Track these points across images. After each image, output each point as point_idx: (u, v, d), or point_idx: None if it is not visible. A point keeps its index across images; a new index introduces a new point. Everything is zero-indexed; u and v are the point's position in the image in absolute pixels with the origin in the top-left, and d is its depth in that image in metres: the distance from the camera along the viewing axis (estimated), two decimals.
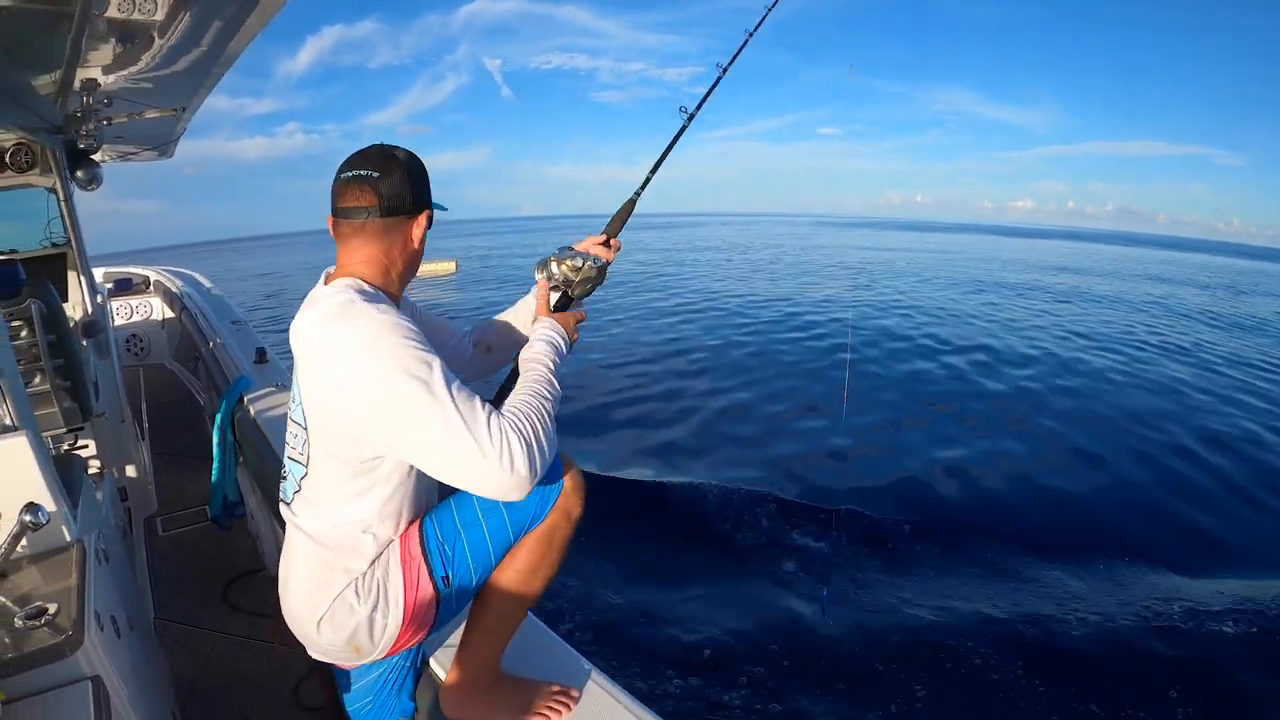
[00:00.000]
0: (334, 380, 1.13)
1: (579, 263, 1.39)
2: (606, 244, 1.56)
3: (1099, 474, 6.72)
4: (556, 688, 1.40)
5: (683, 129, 1.72)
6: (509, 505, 1.29)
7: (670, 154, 1.70)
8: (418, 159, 1.27)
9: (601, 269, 1.46)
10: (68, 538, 1.39)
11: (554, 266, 1.45)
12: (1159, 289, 25.27)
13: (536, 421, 1.13)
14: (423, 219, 1.28)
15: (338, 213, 1.24)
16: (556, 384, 1.26)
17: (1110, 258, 48.59)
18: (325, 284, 1.25)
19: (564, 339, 1.37)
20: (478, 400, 1.10)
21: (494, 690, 1.38)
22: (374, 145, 1.25)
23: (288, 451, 1.31)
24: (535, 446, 1.10)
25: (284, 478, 1.33)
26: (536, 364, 1.29)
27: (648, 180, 1.59)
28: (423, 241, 1.31)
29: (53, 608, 1.19)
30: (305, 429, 1.22)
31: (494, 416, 1.09)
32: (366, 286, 1.21)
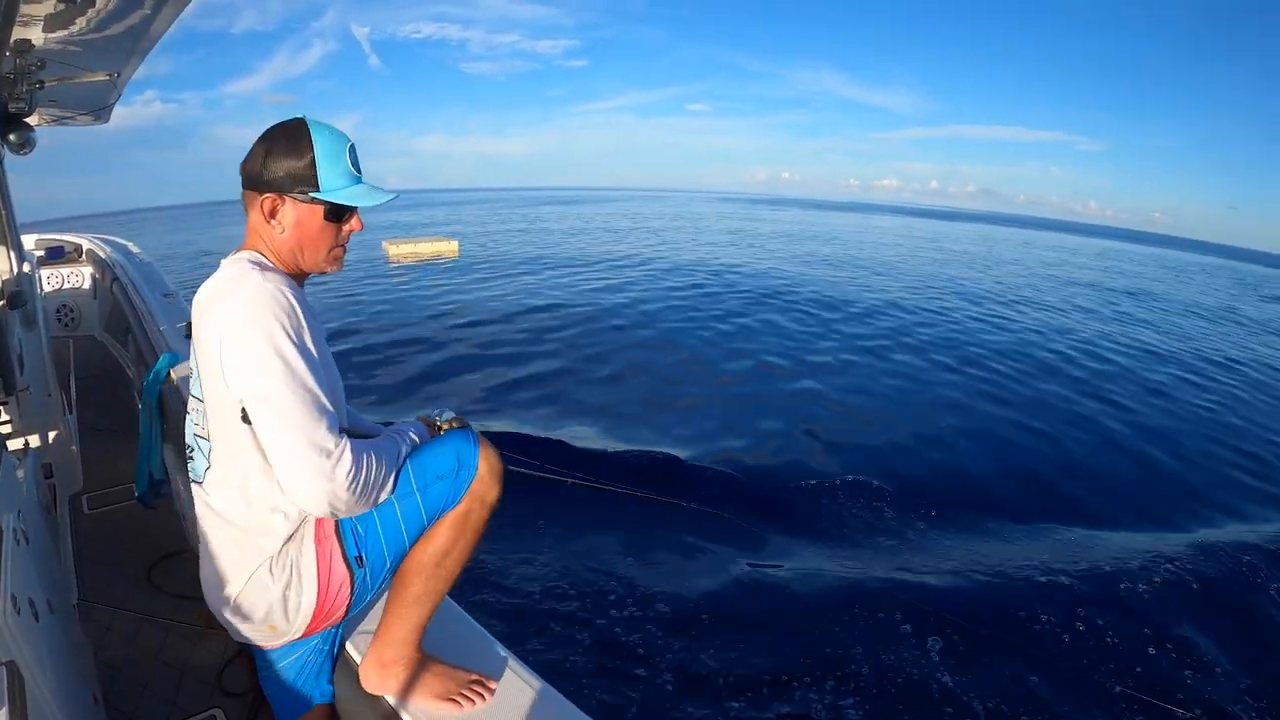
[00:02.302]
0: (220, 351, 1.14)
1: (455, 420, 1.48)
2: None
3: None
4: (475, 675, 1.42)
5: None
6: (422, 488, 1.30)
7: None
8: (291, 137, 1.25)
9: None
10: None
11: (448, 414, 1.51)
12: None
13: (376, 464, 1.17)
14: (271, 201, 1.26)
15: None
16: (401, 454, 1.28)
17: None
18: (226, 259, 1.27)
19: (426, 439, 1.39)
20: (326, 406, 1.12)
21: (413, 671, 1.39)
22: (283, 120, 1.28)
23: (193, 429, 1.31)
24: (364, 476, 1.13)
25: (191, 456, 1.32)
26: (398, 435, 1.32)
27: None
28: (296, 228, 1.28)
29: None
30: (203, 403, 1.23)
31: (336, 427, 1.13)
32: (262, 259, 1.24)
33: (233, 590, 1.26)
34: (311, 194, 1.27)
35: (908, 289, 17.56)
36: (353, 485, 1.12)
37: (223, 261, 1.28)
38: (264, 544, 1.24)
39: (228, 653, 2.22)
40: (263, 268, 1.21)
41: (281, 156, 1.25)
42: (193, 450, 1.32)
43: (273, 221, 1.28)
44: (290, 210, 1.27)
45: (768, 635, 3.97)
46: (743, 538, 5.08)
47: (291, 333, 1.12)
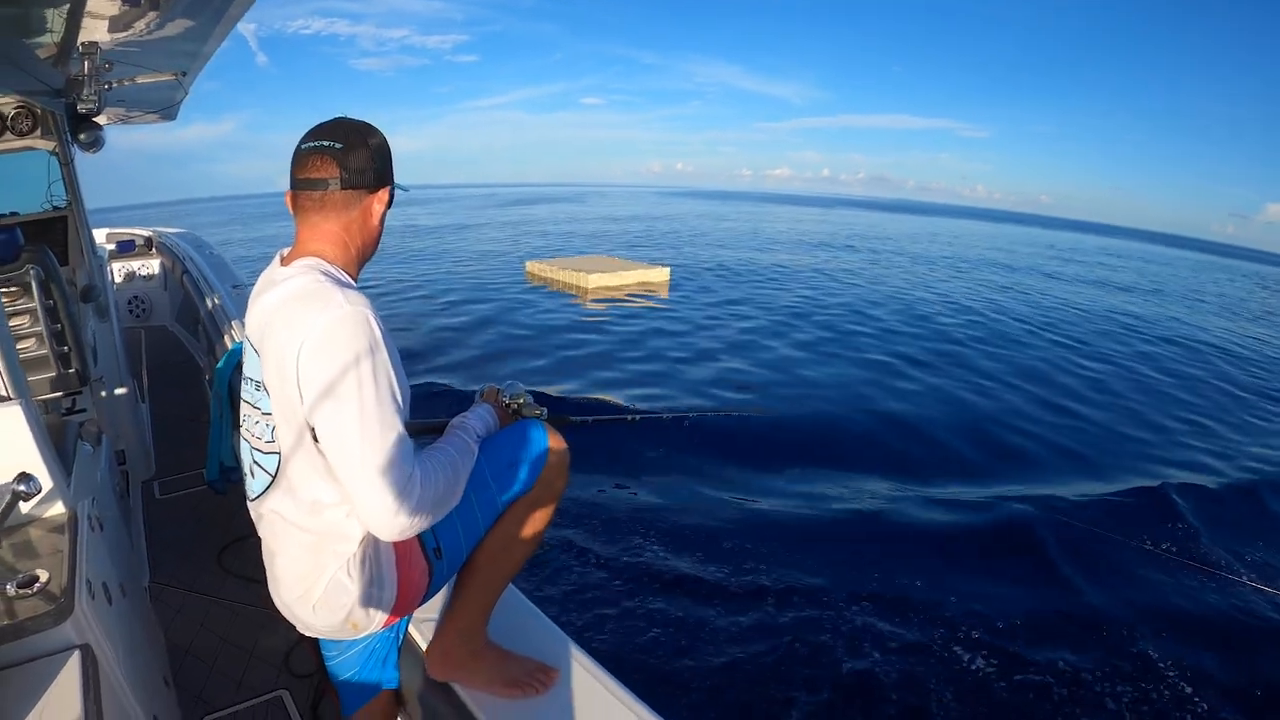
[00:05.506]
0: (296, 365, 1.10)
1: (530, 401, 1.53)
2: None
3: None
4: (539, 663, 1.42)
5: None
6: (497, 478, 1.32)
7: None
8: (381, 134, 1.26)
9: (532, 412, 1.53)
10: (61, 506, 1.42)
11: (518, 387, 1.55)
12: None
13: (443, 486, 1.17)
14: (384, 195, 1.27)
15: (297, 184, 1.21)
16: (474, 453, 1.30)
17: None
18: (282, 264, 1.23)
19: (496, 426, 1.41)
20: (404, 436, 1.12)
21: (478, 657, 1.40)
22: (337, 118, 1.24)
23: (253, 444, 1.27)
24: (429, 506, 1.14)
25: (251, 475, 1.29)
26: (464, 431, 1.31)
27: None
28: (383, 219, 1.30)
29: (44, 575, 1.21)
30: (271, 415, 1.19)
31: (411, 459, 1.12)
32: (330, 267, 1.20)
33: (311, 595, 1.23)
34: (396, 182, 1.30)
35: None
36: (422, 514, 1.12)
37: (278, 265, 1.24)
38: (340, 547, 1.22)
39: (294, 635, 2.29)
40: (338, 281, 1.17)
41: (381, 148, 1.24)
42: (253, 468, 1.27)
43: (373, 214, 1.26)
44: (379, 201, 1.27)
45: None
46: None
47: (379, 365, 1.10)
